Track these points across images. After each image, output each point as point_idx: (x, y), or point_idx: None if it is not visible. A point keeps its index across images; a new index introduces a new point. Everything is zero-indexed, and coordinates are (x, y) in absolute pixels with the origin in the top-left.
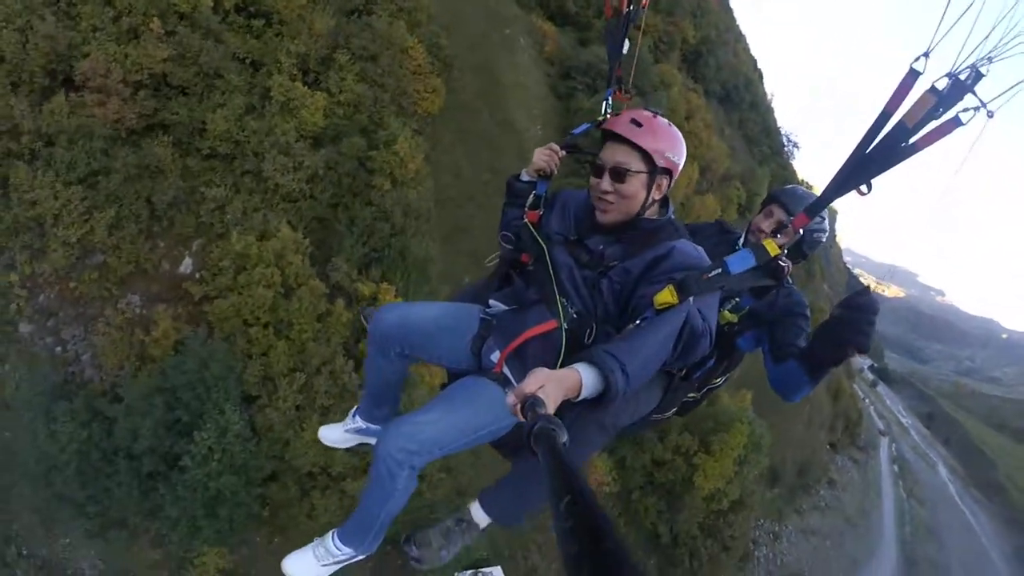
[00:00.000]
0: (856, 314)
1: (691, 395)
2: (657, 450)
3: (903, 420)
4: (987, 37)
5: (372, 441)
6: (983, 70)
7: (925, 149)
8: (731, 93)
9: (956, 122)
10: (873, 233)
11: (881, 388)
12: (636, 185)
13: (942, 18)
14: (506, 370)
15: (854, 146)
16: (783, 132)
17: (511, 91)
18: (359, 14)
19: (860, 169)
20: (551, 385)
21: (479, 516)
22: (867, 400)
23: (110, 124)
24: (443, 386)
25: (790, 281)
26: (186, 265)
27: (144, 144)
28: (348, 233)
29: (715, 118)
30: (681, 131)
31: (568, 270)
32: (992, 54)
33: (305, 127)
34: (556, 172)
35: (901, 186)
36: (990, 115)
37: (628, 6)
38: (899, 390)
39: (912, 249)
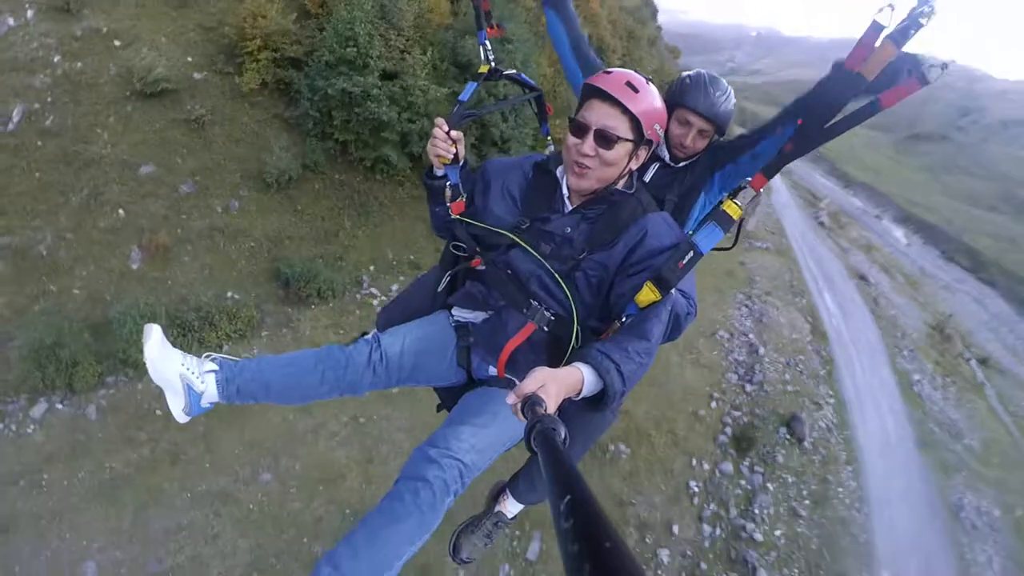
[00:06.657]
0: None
1: None
2: None
3: None
4: None
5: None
6: (923, 20)
7: (888, 107)
8: None
9: (922, 80)
10: None
11: None
12: (621, 153)
13: None
14: (508, 375)
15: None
16: None
17: None
18: None
19: (822, 128)
20: (552, 384)
21: (513, 508)
22: None
23: None
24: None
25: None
26: None
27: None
28: None
29: None
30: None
31: (536, 276)
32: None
33: None
34: (462, 153)
35: None
36: (944, 67)
37: None
38: None
39: None
